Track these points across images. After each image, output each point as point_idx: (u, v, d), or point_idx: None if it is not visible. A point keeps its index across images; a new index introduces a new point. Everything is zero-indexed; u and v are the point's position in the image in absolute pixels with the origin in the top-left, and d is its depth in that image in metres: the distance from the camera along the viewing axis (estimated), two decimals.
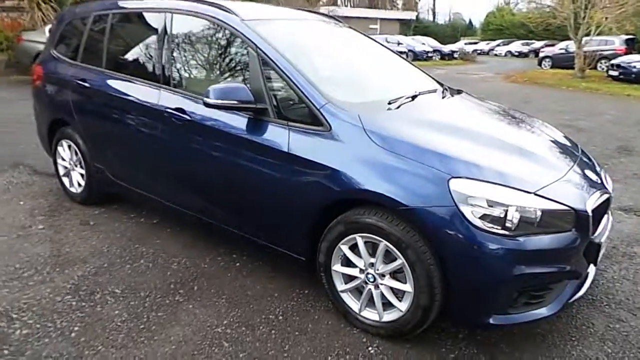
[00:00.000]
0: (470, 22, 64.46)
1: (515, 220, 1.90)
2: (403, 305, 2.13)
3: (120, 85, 3.11)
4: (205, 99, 2.35)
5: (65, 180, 3.79)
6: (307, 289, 2.61)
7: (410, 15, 37.33)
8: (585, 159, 2.56)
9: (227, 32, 2.67)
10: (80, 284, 2.62)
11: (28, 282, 2.62)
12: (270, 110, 2.39)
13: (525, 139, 2.53)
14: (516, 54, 36.01)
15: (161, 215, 3.48)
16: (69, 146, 3.63)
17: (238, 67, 2.66)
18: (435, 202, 1.94)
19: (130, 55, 3.24)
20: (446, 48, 28.08)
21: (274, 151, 2.34)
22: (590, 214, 2.04)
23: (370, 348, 2.19)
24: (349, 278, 2.29)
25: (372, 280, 2.20)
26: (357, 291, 2.30)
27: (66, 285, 2.59)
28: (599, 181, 2.32)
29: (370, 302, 2.24)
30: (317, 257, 2.34)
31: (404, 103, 2.55)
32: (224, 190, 2.67)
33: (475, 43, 42.80)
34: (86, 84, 3.31)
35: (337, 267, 2.30)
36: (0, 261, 2.82)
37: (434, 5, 63.23)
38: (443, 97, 2.96)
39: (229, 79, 2.69)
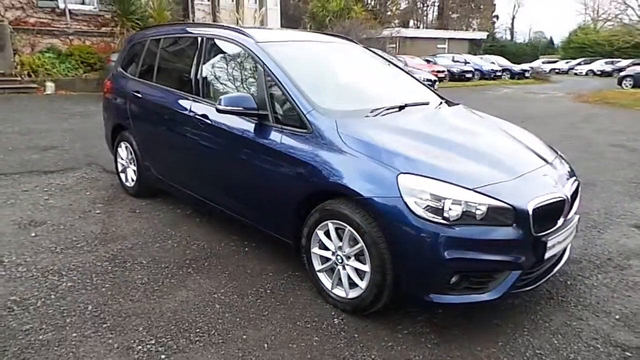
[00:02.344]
0: (551, 40, 61.62)
1: (455, 212, 2.20)
2: (363, 284, 2.47)
3: (162, 95, 3.77)
4: (217, 105, 2.89)
5: (122, 176, 4.54)
6: (298, 271, 3.02)
7: (480, 35, 36.71)
8: (554, 166, 2.74)
9: (243, 52, 3.20)
10: (117, 254, 3.23)
11: (79, 250, 3.28)
12: (270, 116, 2.88)
13: (491, 145, 2.77)
14: (598, 73, 33.99)
15: (193, 208, 4.07)
16: (126, 147, 4.36)
17: (250, 81, 3.18)
18: (386, 193, 2.29)
19: (172, 71, 3.91)
20: (517, 67, 27.24)
21: (269, 149, 2.82)
22: (531, 212, 2.27)
23: (335, 320, 2.55)
24: (324, 260, 2.68)
25: (340, 261, 2.58)
26: (331, 271, 2.67)
27: (106, 255, 3.22)
28: (555, 185, 2.51)
29: (340, 281, 2.61)
30: (300, 241, 2.76)
31: (389, 112, 2.92)
32: (233, 182, 3.19)
33: (554, 62, 40.92)
34: (139, 95, 4.02)
35: (315, 250, 2.70)
36: (63, 234, 3.54)
37: (512, 24, 61.49)
38: (436, 108, 3.29)
39: (241, 90, 3.22)
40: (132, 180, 4.39)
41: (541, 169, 2.62)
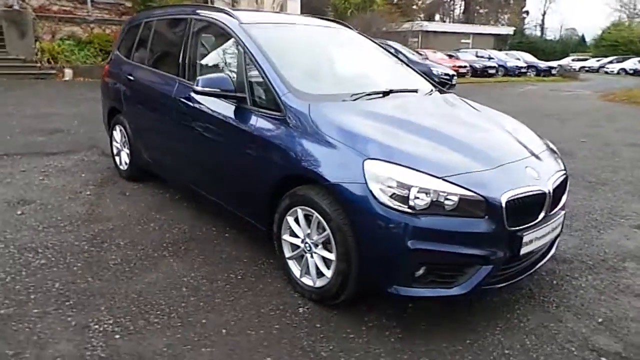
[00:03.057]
0: (583, 38, 59.60)
1: (423, 202, 2.09)
2: (329, 273, 2.39)
3: (152, 78, 3.75)
4: (194, 87, 2.84)
5: (117, 159, 4.55)
6: (272, 259, 2.95)
7: (506, 30, 35.70)
8: (540, 159, 2.58)
9: (227, 33, 3.14)
10: (97, 235, 3.23)
11: (61, 230, 3.29)
12: (248, 99, 2.81)
13: (474, 134, 2.64)
14: (630, 71, 32.69)
15: (182, 192, 4.05)
16: (120, 130, 4.37)
17: (232, 62, 3.12)
18: (351, 179, 2.20)
19: (162, 53, 3.89)
20: (543, 64, 26.42)
21: (245, 133, 2.75)
22: (504, 205, 2.15)
23: (301, 309, 2.48)
24: (294, 247, 2.61)
25: (309, 249, 2.50)
26: (300, 259, 2.60)
27: (86, 235, 3.22)
28: (537, 178, 2.37)
29: (309, 269, 2.53)
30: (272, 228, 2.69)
31: (371, 98, 2.83)
32: (212, 165, 3.15)
33: (585, 60, 39.56)
34: (132, 78, 4.01)
35: (285, 237, 2.63)
36: (49, 214, 3.56)
37: (542, 20, 59.68)
38: (424, 96, 3.17)
39: (225, 73, 3.16)
40: (126, 163, 4.40)
41: (524, 160, 2.48)
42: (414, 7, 44.46)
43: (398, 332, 2.32)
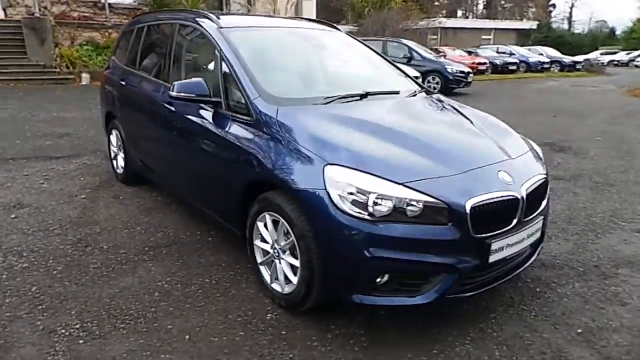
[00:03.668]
0: (613, 30, 57.55)
1: (384, 208, 2.04)
2: (295, 279, 2.36)
3: (140, 82, 3.79)
4: (170, 92, 2.85)
5: (114, 163, 4.63)
6: (250, 264, 2.93)
7: (529, 25, 34.69)
8: (517, 162, 2.48)
9: (206, 37, 3.14)
10: (82, 238, 3.29)
11: (49, 233, 3.37)
12: (223, 103, 2.80)
13: (446, 138, 2.56)
14: None
15: (173, 196, 4.08)
16: (116, 134, 4.45)
17: (210, 67, 3.12)
18: (313, 185, 2.16)
19: (150, 59, 3.92)
20: (567, 59, 25.64)
21: (219, 137, 2.75)
22: (468, 211, 2.07)
23: (268, 315, 2.45)
24: (265, 253, 2.58)
25: (277, 255, 2.48)
26: (271, 264, 2.57)
27: (72, 239, 3.28)
28: (510, 183, 2.27)
29: (278, 275, 2.50)
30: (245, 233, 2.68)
31: (346, 101, 2.79)
32: (192, 170, 3.16)
33: (614, 53, 38.20)
34: (123, 83, 4.07)
35: (257, 242, 2.61)
36: (41, 217, 3.65)
37: (570, 13, 57.97)
38: (405, 98, 3.11)
39: (205, 77, 3.16)
40: (121, 167, 4.47)
41: (498, 164, 2.38)
42: (435, 3, 43.87)
43: (363, 340, 2.27)
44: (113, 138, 4.54)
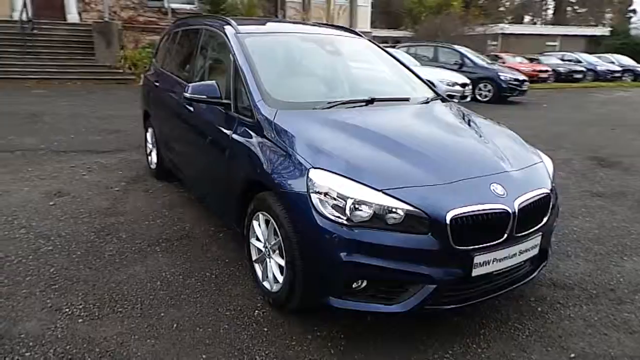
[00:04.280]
0: None
1: (364, 213, 2.06)
2: (281, 279, 2.42)
3: (170, 84, 4.02)
4: (184, 93, 3.02)
5: (149, 158, 4.93)
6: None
7: (601, 31, 32.43)
8: (517, 175, 2.39)
9: (224, 42, 3.28)
10: (106, 227, 3.54)
11: (78, 220, 3.66)
12: (232, 105, 2.93)
13: (443, 147, 2.51)
14: None
15: (193, 193, 4.28)
16: (151, 132, 4.73)
17: (225, 70, 3.25)
18: (297, 187, 2.22)
19: (178, 61, 4.14)
20: None
21: (227, 138, 2.87)
22: (448, 222, 2.03)
23: (257, 312, 2.53)
24: (259, 251, 2.66)
25: (268, 254, 2.55)
26: (264, 262, 2.65)
27: (97, 227, 3.54)
28: (501, 196, 2.19)
29: (268, 274, 2.58)
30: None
31: (350, 106, 2.83)
32: (203, 168, 3.31)
33: None
34: (157, 84, 4.33)
35: (253, 240, 2.70)
36: (75, 206, 3.96)
37: None
38: (413, 105, 3.09)
39: (221, 80, 3.30)
40: (154, 163, 4.75)
41: (493, 176, 2.30)
42: (500, 8, 42.31)
43: (342, 344, 2.28)
44: (148, 135, 4.84)
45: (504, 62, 19.39)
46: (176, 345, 2.23)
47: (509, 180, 2.33)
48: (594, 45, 30.44)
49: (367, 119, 2.69)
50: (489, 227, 2.15)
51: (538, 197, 2.35)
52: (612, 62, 23.52)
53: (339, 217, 2.08)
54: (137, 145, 6.09)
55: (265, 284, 2.59)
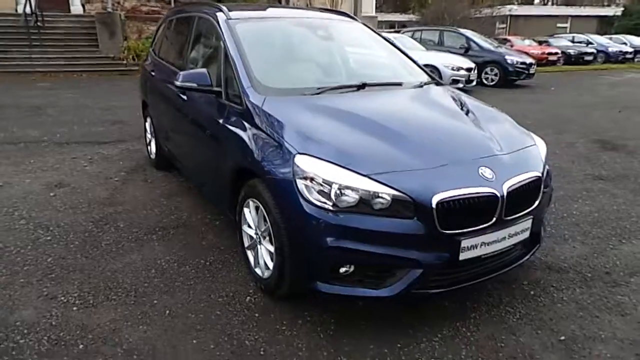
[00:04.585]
0: None
1: (350, 198, 2.05)
2: (271, 265, 2.44)
3: (165, 73, 4.01)
4: (175, 81, 3.01)
5: (149, 148, 4.96)
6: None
7: (613, 11, 31.60)
8: (506, 158, 2.36)
9: (216, 28, 3.26)
10: (104, 217, 3.58)
11: (77, 211, 3.70)
12: (223, 93, 2.92)
13: (431, 131, 2.48)
14: None
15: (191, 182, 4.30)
16: (149, 122, 4.75)
17: (216, 57, 3.24)
18: (284, 173, 2.22)
19: (172, 50, 4.14)
20: None
21: (218, 125, 2.87)
22: (434, 206, 2.02)
23: (248, 297, 2.56)
24: (251, 238, 2.68)
25: (259, 241, 2.56)
26: (255, 249, 2.66)
27: (95, 217, 3.58)
28: (490, 179, 2.17)
29: (259, 260, 2.59)
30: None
31: (341, 92, 2.81)
32: (197, 157, 3.32)
33: None
34: (153, 73, 4.34)
35: (244, 227, 2.71)
36: (75, 197, 4.00)
37: None
38: (404, 89, 3.07)
39: (212, 67, 3.29)
40: (154, 153, 4.77)
41: (482, 160, 2.28)
42: None
43: (332, 329, 2.30)
44: (147, 125, 4.86)
45: (512, 45, 19.08)
46: (168, 332, 2.27)
47: (499, 164, 2.30)
48: (605, 25, 29.76)
49: (357, 104, 2.67)
50: (477, 211, 2.14)
51: (528, 180, 2.32)
52: (625, 44, 23.03)
53: (324, 203, 2.08)
54: (139, 136, 6.11)
55: (257, 270, 2.61)
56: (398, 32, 15.25)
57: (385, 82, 3.05)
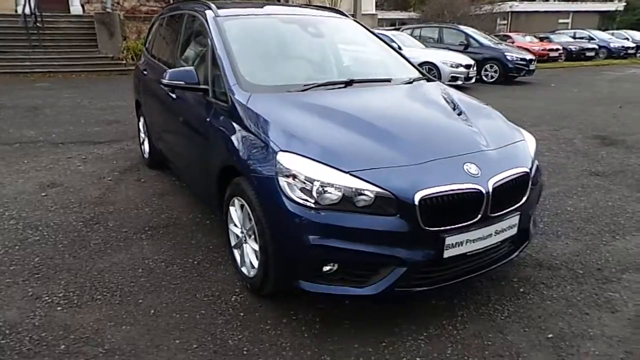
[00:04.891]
0: None
1: (333, 196, 2.02)
2: (256, 263, 2.41)
3: (156, 71, 3.99)
4: (162, 79, 2.99)
5: (142, 147, 4.94)
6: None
7: (614, 6, 31.31)
8: (492, 154, 2.32)
9: (204, 26, 3.24)
10: (95, 216, 3.57)
11: (68, 211, 3.69)
12: (210, 90, 2.90)
13: (416, 128, 2.46)
14: None
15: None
16: (142, 121, 4.74)
17: (205, 55, 3.22)
18: (267, 171, 2.19)
19: (164, 48, 4.12)
20: None
21: (204, 124, 2.85)
22: (417, 202, 1.99)
23: (234, 296, 2.53)
24: (237, 236, 2.66)
25: (245, 240, 2.54)
26: (241, 248, 2.64)
27: (85, 217, 3.57)
28: (475, 175, 2.14)
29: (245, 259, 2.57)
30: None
31: (327, 89, 2.79)
32: (185, 155, 3.30)
33: None
34: (145, 72, 4.32)
35: (231, 226, 2.69)
36: (67, 196, 3.99)
37: None
38: (398, 85, 3.04)
39: (200, 65, 3.27)
40: (147, 152, 4.76)
41: (467, 155, 2.24)
42: None
43: (317, 328, 2.27)
44: (140, 124, 4.85)
45: (513, 42, 18.98)
46: (151, 331, 2.25)
47: (485, 160, 2.27)
48: (607, 21, 29.55)
49: (343, 101, 2.64)
50: (462, 208, 2.10)
51: (515, 176, 2.29)
52: (627, 39, 22.86)
53: (307, 201, 2.05)
54: (134, 135, 6.06)
55: (243, 269, 2.59)
56: (397, 29, 15.19)
57: (373, 78, 3.01)
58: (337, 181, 2.02)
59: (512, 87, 11.76)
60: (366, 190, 2.02)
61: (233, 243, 2.70)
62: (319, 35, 3.43)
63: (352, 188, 2.02)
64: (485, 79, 12.52)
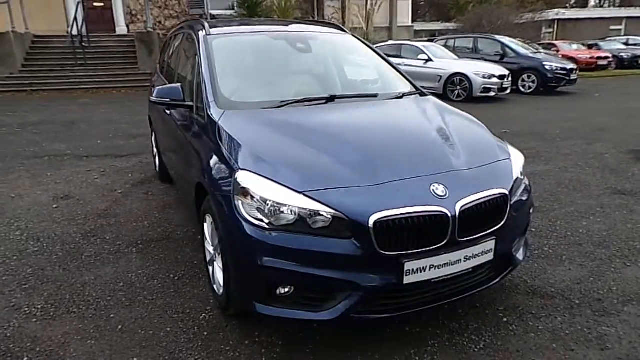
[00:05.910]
0: None
1: (287, 216, 1.96)
2: (222, 282, 2.38)
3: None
4: (150, 97, 3.06)
5: (155, 161, 5.08)
6: None
7: None
8: (467, 175, 2.18)
9: (195, 44, 3.29)
10: (95, 229, 3.68)
11: (72, 222, 3.82)
12: (194, 107, 2.93)
13: (386, 147, 2.33)
14: None
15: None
16: (154, 136, 4.87)
17: (194, 72, 3.27)
18: (226, 190, 2.16)
19: (167, 66, 4.23)
20: None
21: (185, 140, 2.89)
22: (371, 225, 1.89)
23: (204, 314, 2.51)
24: (210, 253, 2.64)
25: (214, 257, 2.52)
26: (213, 265, 2.61)
27: (87, 229, 3.69)
28: (441, 198, 2.01)
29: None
30: None
31: (307, 105, 2.74)
32: (178, 171, 3.35)
33: None
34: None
35: (205, 243, 2.68)
36: (76, 208, 4.15)
37: None
38: (383, 100, 2.95)
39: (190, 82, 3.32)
40: (158, 166, 4.88)
41: (437, 176, 2.12)
42: None
43: (277, 351, 2.20)
44: (153, 139, 4.99)
45: (557, 50, 18.23)
46: (113, 347, 2.26)
47: (455, 180, 2.13)
48: None
49: (316, 118, 2.59)
50: (424, 232, 1.98)
51: (489, 198, 2.12)
52: None
53: (261, 221, 2.00)
54: (150, 150, 6.30)
55: (215, 286, 2.56)
56: (430, 40, 14.94)
57: (357, 93, 2.94)
58: (289, 201, 1.96)
59: (550, 98, 11.22)
60: (322, 211, 1.94)
61: (207, 259, 2.69)
62: (307, 51, 3.39)
63: (305, 209, 1.95)
64: (522, 89, 12.03)
